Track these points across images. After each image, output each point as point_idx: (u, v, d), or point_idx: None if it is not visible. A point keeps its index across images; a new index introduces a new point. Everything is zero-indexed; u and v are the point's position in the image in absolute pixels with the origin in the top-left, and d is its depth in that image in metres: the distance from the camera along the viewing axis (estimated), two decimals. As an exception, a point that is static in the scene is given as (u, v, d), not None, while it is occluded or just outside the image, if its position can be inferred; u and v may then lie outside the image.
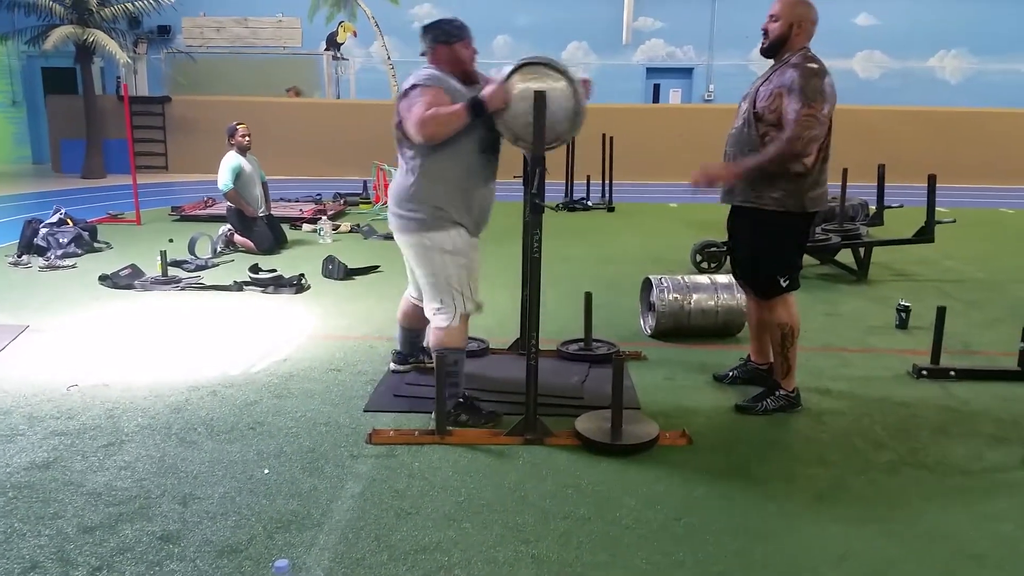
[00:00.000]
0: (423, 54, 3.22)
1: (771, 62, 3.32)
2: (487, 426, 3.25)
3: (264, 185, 7.39)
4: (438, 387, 3.10)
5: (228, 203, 7.12)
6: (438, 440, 3.10)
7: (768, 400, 3.45)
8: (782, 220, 3.29)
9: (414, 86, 3.06)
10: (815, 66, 3.15)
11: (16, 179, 13.38)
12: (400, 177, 3.24)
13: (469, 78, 3.20)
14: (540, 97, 2.91)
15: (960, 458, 3.07)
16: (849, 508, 2.68)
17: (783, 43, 3.24)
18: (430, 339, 3.35)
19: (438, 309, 3.27)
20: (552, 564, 2.32)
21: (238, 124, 7.19)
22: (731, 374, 3.83)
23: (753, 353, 3.82)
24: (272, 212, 7.56)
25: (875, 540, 2.48)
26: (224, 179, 6.99)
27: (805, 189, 3.24)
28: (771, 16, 3.28)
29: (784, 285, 3.37)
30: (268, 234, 7.11)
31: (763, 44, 3.30)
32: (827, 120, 3.15)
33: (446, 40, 3.15)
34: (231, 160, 7.05)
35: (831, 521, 2.59)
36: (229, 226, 7.14)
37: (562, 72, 3.04)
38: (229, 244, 7.06)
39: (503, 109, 3.00)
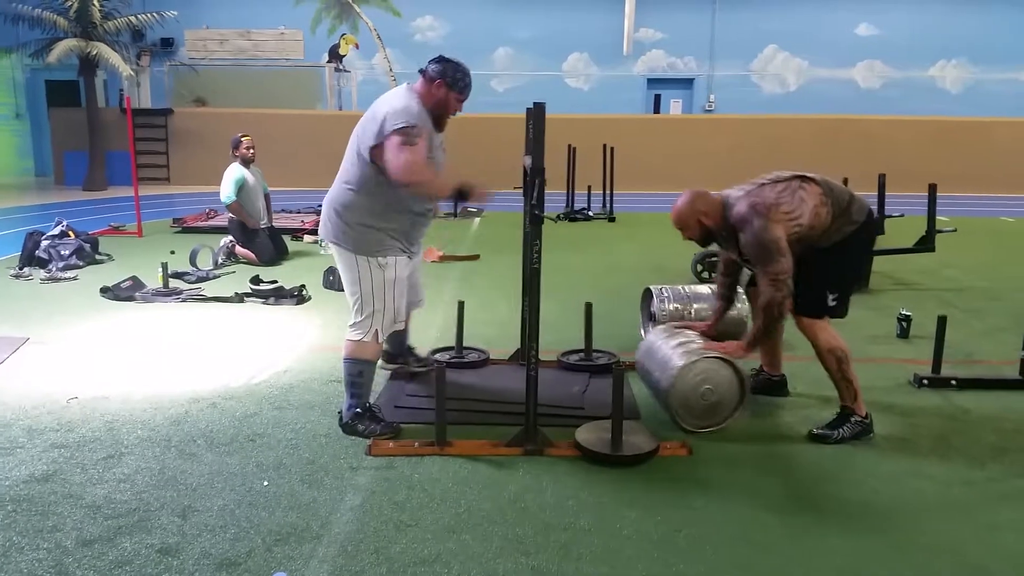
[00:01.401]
0: (421, 72, 3.23)
1: None
2: (384, 437, 3.22)
3: (267, 197, 7.41)
4: (438, 398, 3.10)
5: (230, 215, 7.14)
6: (438, 451, 3.09)
7: (844, 428, 3.26)
8: (845, 242, 3.24)
9: (411, 125, 3.04)
10: (755, 219, 3.13)
11: (19, 191, 13.42)
12: (346, 188, 3.23)
13: (438, 123, 3.25)
14: (539, 109, 2.93)
15: (962, 468, 3.06)
16: (850, 519, 2.66)
17: (709, 233, 3.36)
18: (343, 348, 3.36)
19: (357, 323, 3.30)
20: (552, 576, 2.31)
21: (242, 136, 7.21)
22: None
23: (765, 364, 3.80)
24: (274, 223, 7.58)
25: (876, 552, 2.46)
26: (227, 191, 7.00)
27: (846, 219, 3.23)
28: (681, 231, 3.40)
29: (831, 304, 3.25)
30: (269, 245, 7.12)
31: (700, 243, 3.45)
32: (789, 258, 3.11)
33: (451, 84, 3.18)
34: (234, 172, 7.06)
35: (832, 533, 2.57)
36: (231, 238, 7.15)
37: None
38: (230, 256, 7.07)
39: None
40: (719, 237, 3.38)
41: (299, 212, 10.09)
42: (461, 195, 3.11)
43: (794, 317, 3.30)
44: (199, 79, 15.74)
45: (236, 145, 7.17)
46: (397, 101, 3.12)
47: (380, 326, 3.29)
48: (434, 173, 3.16)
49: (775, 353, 3.77)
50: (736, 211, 3.22)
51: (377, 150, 3.09)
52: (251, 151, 7.16)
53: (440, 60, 3.21)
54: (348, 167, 3.26)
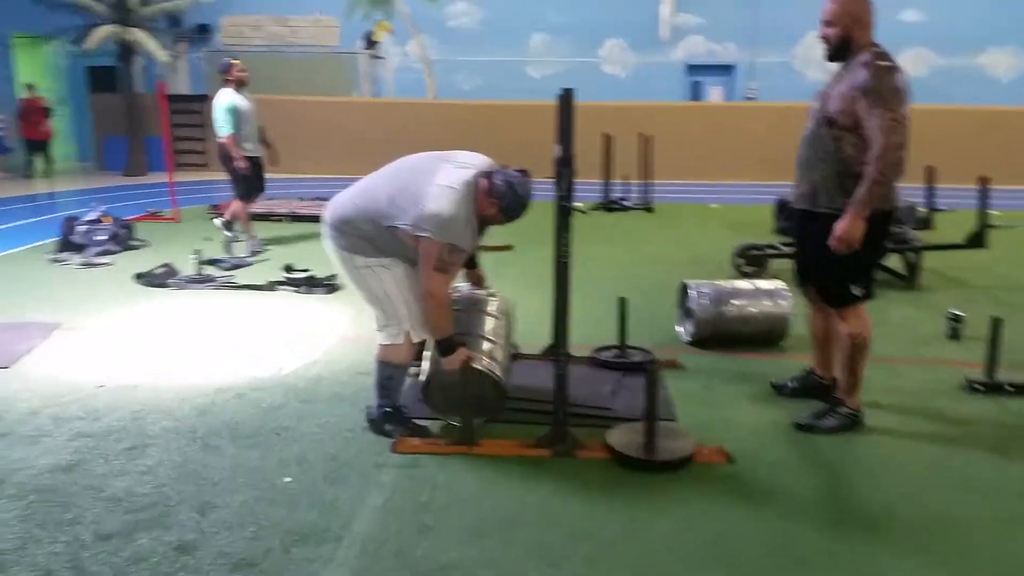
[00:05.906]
0: (488, 175, 3.02)
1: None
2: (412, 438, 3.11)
3: (261, 128, 6.93)
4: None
5: (222, 146, 6.62)
6: (465, 450, 3.00)
7: (830, 418, 3.24)
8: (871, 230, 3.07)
9: (453, 247, 2.92)
10: (886, 64, 2.99)
11: (62, 176, 13.61)
12: (370, 201, 3.05)
13: (482, 227, 3.13)
14: (567, 95, 2.81)
15: (1017, 480, 2.88)
16: (897, 533, 2.52)
17: (846, 46, 3.11)
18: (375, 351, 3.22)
19: (385, 327, 3.14)
20: (579, 588, 2.21)
21: (232, 60, 6.74)
22: (789, 384, 3.66)
23: (816, 365, 3.62)
24: (260, 155, 6.96)
25: (925, 570, 2.32)
26: (221, 122, 6.42)
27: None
28: (826, 23, 3.13)
29: (858, 294, 3.17)
30: (255, 182, 6.79)
31: (827, 52, 3.17)
32: (907, 120, 2.97)
33: (503, 209, 3.00)
34: (226, 98, 6.46)
35: (878, 547, 2.43)
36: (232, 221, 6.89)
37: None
38: (229, 227, 6.80)
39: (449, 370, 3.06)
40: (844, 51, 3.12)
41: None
42: (443, 349, 3.01)
43: (833, 310, 3.30)
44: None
45: (227, 68, 6.55)
46: (448, 204, 2.89)
47: (409, 326, 3.12)
48: (449, 306, 3.06)
49: (827, 355, 3.53)
50: (876, 53, 3.03)
51: (404, 233, 2.95)
52: (244, 73, 6.63)
53: (510, 183, 2.99)
54: (379, 195, 3.03)
